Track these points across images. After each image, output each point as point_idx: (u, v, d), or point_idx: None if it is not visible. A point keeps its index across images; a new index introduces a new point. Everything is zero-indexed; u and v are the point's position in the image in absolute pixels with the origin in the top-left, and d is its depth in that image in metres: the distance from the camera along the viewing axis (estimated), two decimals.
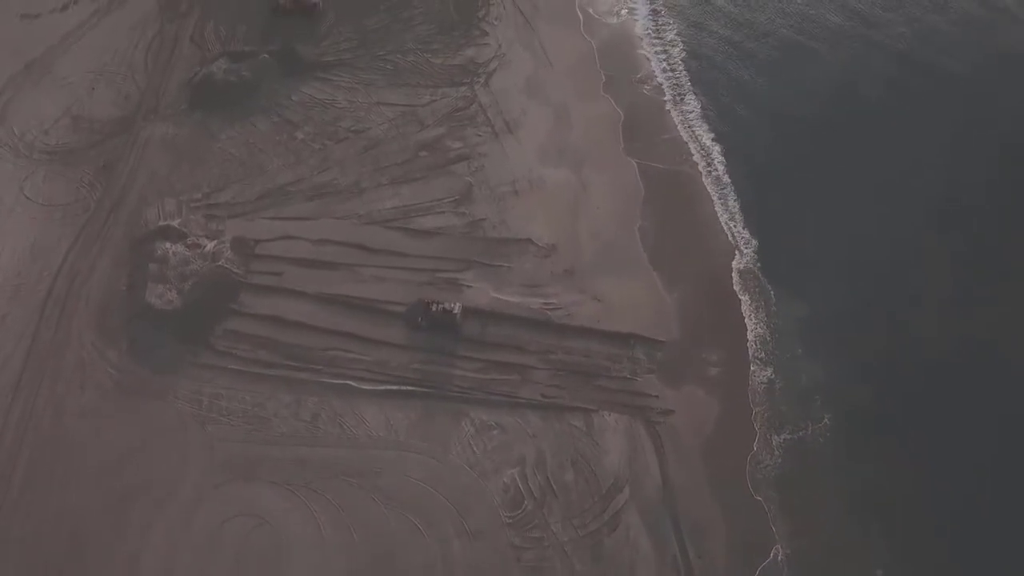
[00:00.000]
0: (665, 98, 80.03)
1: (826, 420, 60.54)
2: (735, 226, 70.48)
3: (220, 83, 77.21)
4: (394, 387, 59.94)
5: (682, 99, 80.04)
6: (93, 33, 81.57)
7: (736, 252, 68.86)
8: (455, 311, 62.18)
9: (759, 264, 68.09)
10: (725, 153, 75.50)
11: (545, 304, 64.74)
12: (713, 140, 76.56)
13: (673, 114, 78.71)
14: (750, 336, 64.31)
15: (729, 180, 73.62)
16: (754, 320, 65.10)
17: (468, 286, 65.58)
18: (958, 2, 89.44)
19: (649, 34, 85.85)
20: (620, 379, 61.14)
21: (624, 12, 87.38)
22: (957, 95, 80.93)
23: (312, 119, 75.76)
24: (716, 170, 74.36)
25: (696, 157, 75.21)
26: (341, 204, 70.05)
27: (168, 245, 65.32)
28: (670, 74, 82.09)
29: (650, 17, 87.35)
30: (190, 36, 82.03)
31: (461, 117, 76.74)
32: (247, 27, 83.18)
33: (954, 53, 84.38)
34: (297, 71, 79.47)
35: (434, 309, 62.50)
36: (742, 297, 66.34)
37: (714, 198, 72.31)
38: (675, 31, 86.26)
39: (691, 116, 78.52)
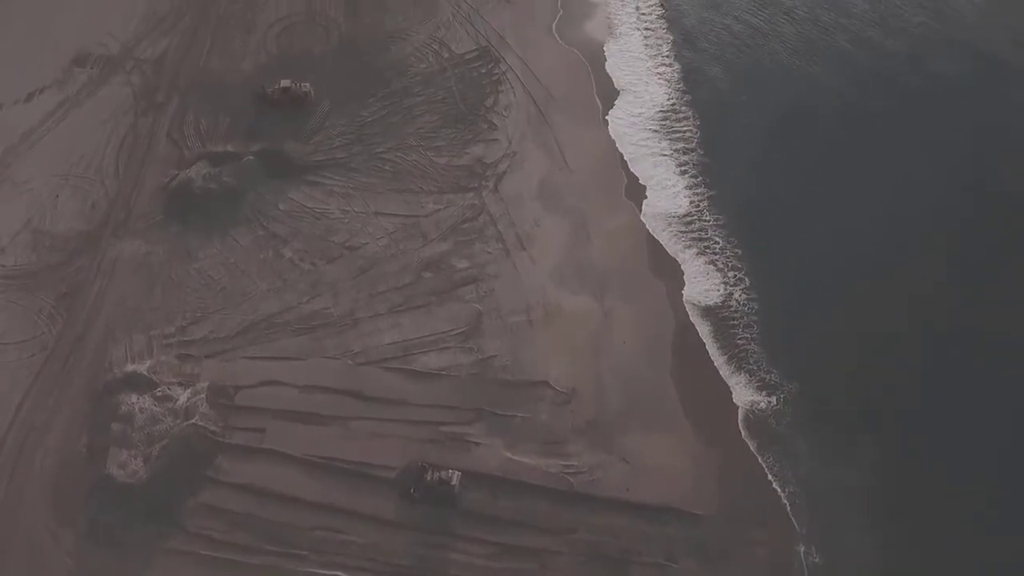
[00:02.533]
0: (692, 207, 71.72)
1: None
2: (775, 367, 61.89)
3: (199, 191, 69.26)
4: None
5: (709, 206, 71.56)
6: (59, 129, 73.60)
7: (775, 399, 60.49)
8: (452, 481, 54.14)
9: (802, 415, 59.73)
10: (758, 275, 67.09)
11: (565, 467, 56.67)
12: (741, 258, 67.94)
13: (702, 224, 70.48)
14: (791, 506, 56.05)
15: (765, 306, 65.35)
16: (795, 486, 56.76)
17: (476, 443, 57.53)
18: None
19: (672, 128, 77.51)
20: (654, 566, 53.03)
21: (648, 102, 79.03)
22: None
23: (301, 233, 67.71)
24: (748, 296, 65.86)
25: (730, 279, 67.02)
26: (333, 339, 61.99)
27: (135, 399, 57.31)
28: (695, 177, 73.61)
29: (675, 107, 79.00)
30: (167, 132, 74.03)
31: (468, 230, 68.70)
32: (231, 119, 75.19)
33: None
34: (285, 174, 71.49)
35: (428, 478, 54.47)
36: (781, 460, 57.88)
37: (751, 333, 63.93)
38: (697, 123, 77.42)
39: (720, 226, 70.12)
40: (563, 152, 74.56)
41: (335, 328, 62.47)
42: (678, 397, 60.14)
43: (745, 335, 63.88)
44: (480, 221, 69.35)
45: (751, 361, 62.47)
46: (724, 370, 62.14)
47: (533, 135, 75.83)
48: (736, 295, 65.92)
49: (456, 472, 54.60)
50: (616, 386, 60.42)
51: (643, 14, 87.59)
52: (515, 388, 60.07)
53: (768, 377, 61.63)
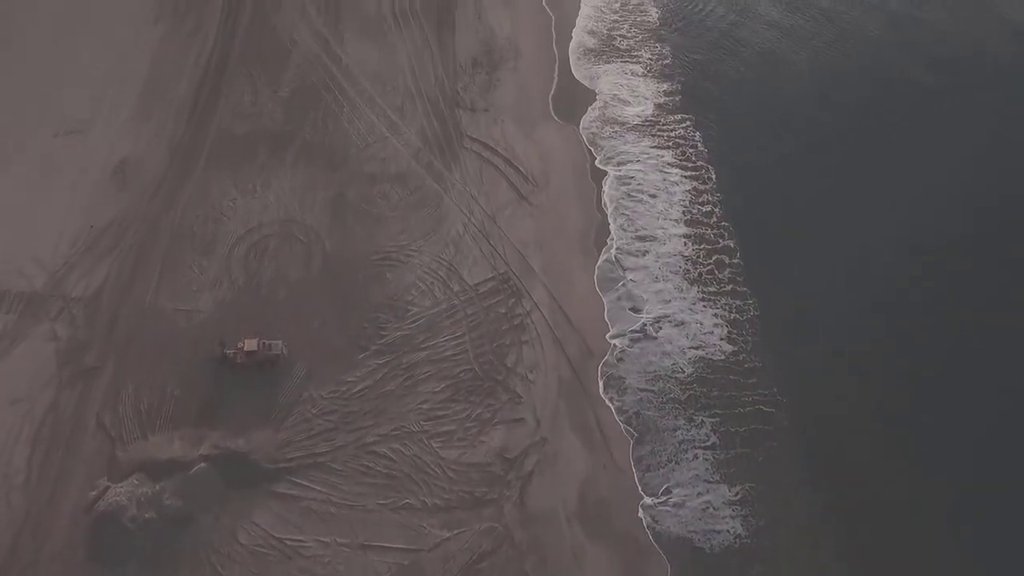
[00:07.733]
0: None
1: None
2: None
3: (131, 523, 52.48)
4: None
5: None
6: None
7: None
8: None
9: None
10: None
11: None
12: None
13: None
14: None
15: None
16: None
17: None
18: None
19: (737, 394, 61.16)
20: None
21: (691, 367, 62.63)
22: None
23: None
24: None
25: None
26: None
27: None
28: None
29: (738, 357, 62.51)
30: (97, 414, 57.43)
31: (486, 573, 52.07)
32: (181, 392, 58.61)
33: None
34: (248, 483, 54.90)
35: None
36: None
37: None
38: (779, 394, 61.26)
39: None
40: (607, 440, 57.94)
41: None
42: None
43: None
44: (501, 556, 52.83)
45: None
46: None
47: (568, 411, 59.23)
48: None
49: None
50: None
51: (702, 214, 71.25)
52: None
53: None
